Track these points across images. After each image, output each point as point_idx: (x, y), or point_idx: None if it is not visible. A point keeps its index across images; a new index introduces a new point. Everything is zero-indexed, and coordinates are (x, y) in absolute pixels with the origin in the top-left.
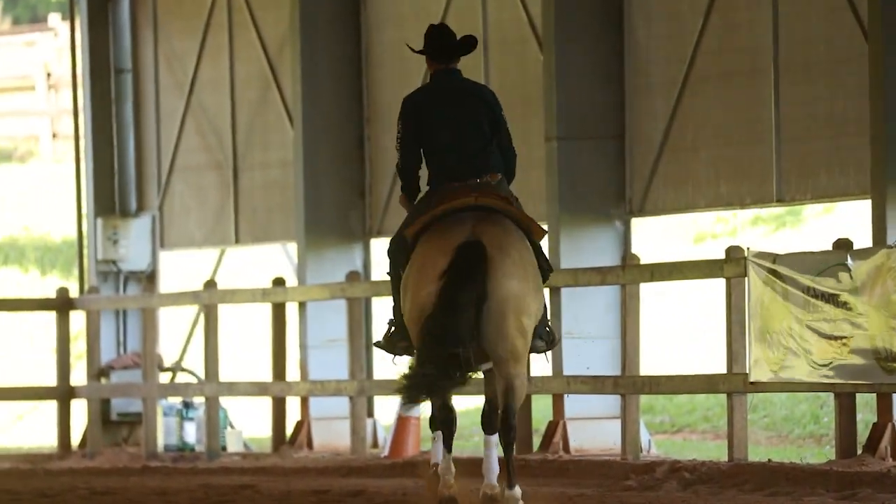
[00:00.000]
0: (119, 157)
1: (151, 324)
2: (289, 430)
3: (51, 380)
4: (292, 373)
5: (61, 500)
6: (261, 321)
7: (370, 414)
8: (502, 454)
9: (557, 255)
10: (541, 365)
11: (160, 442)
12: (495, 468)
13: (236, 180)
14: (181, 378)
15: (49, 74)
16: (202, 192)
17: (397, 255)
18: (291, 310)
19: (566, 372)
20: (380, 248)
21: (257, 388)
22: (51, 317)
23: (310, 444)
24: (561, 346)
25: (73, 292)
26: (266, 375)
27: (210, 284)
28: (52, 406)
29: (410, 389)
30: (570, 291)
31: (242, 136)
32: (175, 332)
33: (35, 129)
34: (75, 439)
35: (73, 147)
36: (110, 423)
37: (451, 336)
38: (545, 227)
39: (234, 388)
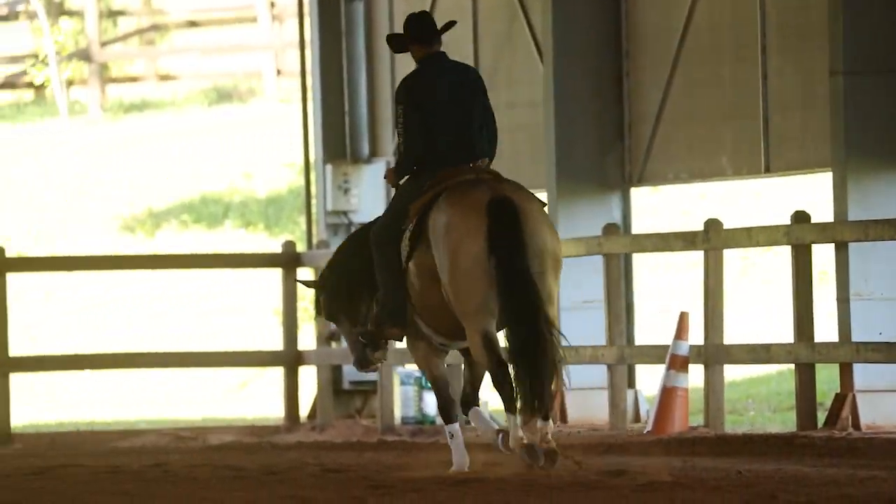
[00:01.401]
0: (350, 96)
1: None
2: None
3: (277, 344)
4: None
5: (289, 476)
6: None
7: (631, 384)
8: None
9: (844, 204)
10: (825, 330)
11: (397, 414)
12: (493, 425)
13: None
14: None
15: (273, 4)
16: None
17: (391, 234)
18: None
19: (855, 338)
20: (641, 196)
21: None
22: (276, 274)
23: (563, 417)
24: (848, 308)
25: (301, 247)
26: None
27: None
28: (278, 373)
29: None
30: (859, 247)
31: (486, 72)
32: None
33: (257, 65)
34: (304, 410)
35: (300, 85)
36: (342, 393)
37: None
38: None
39: None
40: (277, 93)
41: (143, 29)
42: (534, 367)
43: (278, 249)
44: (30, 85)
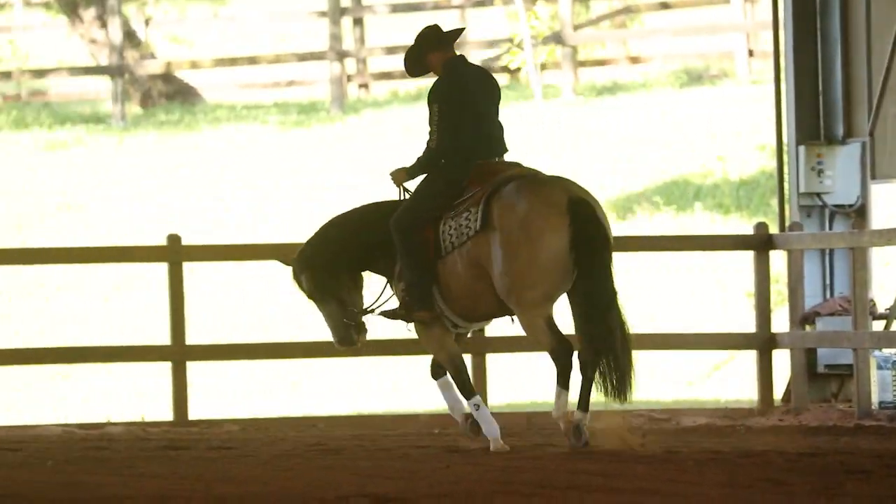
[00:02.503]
0: (824, 77)
1: (861, 265)
2: None
3: (749, 327)
4: None
5: (765, 460)
6: None
7: None
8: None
9: None
10: None
11: (874, 398)
12: (460, 404)
13: None
14: None
15: None
16: None
17: (419, 221)
18: None
19: None
20: None
21: None
22: (747, 256)
23: None
24: None
25: (773, 229)
26: None
27: None
28: (751, 356)
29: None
30: None
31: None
32: (888, 274)
33: (729, 47)
34: (778, 393)
35: (773, 66)
36: (817, 376)
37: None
38: None
39: None
40: (749, 74)
41: (615, 12)
42: (618, 359)
43: (750, 232)
44: (505, 69)
